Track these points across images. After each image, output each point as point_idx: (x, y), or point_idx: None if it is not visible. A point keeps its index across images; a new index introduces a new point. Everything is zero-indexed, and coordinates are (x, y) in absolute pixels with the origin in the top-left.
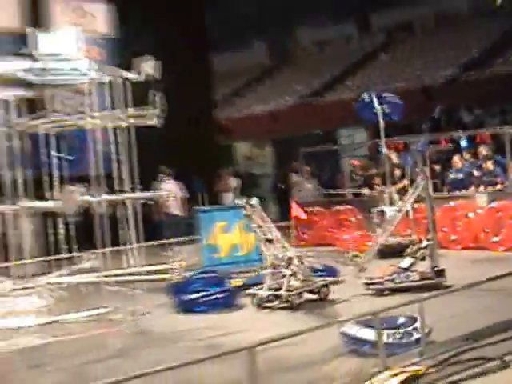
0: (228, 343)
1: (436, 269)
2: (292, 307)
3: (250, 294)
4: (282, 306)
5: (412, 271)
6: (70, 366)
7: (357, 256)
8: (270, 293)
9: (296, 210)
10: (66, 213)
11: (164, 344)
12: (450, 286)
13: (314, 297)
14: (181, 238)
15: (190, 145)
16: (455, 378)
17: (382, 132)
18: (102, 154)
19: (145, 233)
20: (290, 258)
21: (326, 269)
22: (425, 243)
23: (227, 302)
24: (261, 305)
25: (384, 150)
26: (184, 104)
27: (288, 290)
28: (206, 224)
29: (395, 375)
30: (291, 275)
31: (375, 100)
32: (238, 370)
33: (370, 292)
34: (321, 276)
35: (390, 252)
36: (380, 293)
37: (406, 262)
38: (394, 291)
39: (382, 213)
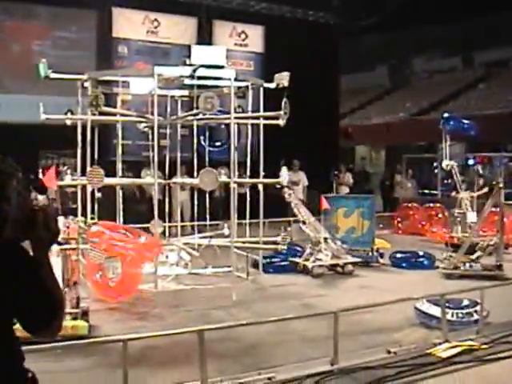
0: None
1: (498, 263)
2: (313, 276)
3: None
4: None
5: (477, 263)
6: (197, 309)
7: (451, 256)
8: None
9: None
10: (206, 189)
11: (272, 300)
12: (509, 279)
13: (340, 270)
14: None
15: (321, 145)
16: (503, 354)
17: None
18: (242, 145)
19: (273, 211)
20: (325, 239)
21: (426, 255)
22: (493, 241)
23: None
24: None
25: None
26: (317, 114)
27: (314, 262)
28: (332, 208)
29: (453, 347)
30: (319, 251)
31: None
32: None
33: (442, 276)
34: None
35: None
36: (449, 277)
37: (474, 255)
38: (460, 277)
39: (464, 214)
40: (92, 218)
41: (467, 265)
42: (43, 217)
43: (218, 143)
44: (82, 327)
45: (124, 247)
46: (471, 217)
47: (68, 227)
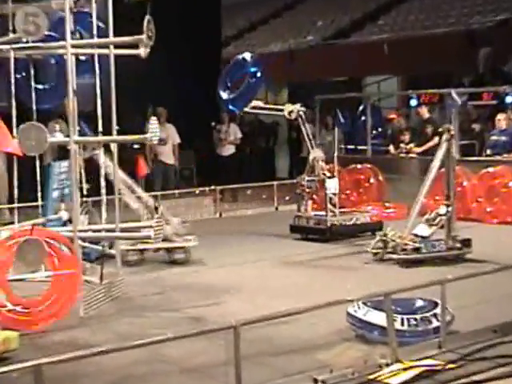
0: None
1: (461, 238)
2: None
3: None
4: None
5: (436, 240)
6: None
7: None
8: None
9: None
10: (30, 153)
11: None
12: (479, 263)
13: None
14: None
15: (197, 86)
16: (478, 377)
17: None
18: (84, 86)
19: None
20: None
21: None
22: (444, 209)
23: None
24: None
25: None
26: (187, 40)
27: None
28: None
29: (407, 369)
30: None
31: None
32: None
33: (393, 262)
34: None
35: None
36: (404, 264)
37: (423, 230)
38: (419, 262)
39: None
40: None
41: (428, 245)
42: None
43: (46, 85)
44: None
45: None
46: (331, 186)
47: None
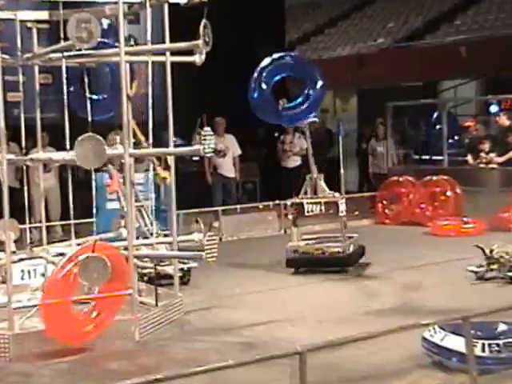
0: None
1: None
2: None
3: None
4: None
5: None
6: (80, 357)
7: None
8: None
9: (115, 183)
10: (88, 167)
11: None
12: None
13: None
14: None
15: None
16: None
17: None
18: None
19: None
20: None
21: None
22: None
23: None
24: None
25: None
26: (248, 44)
27: None
28: None
29: None
30: None
31: None
32: None
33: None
34: None
35: None
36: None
37: None
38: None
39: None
40: None
41: None
42: None
43: (100, 95)
44: None
45: None
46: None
47: None
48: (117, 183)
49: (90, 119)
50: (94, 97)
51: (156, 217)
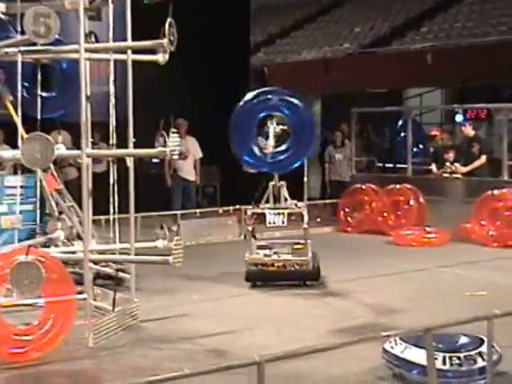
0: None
1: None
2: None
3: None
4: None
5: None
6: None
7: None
8: None
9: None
10: (35, 168)
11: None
12: None
13: None
14: None
15: (222, 95)
16: None
17: None
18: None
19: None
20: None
21: None
22: None
23: None
24: None
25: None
26: (212, 45)
27: None
28: None
29: None
30: None
31: None
32: None
33: None
34: None
35: None
36: None
37: None
38: None
39: None
40: None
41: None
42: None
43: (50, 93)
44: None
45: None
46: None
47: None
48: (54, 182)
49: (39, 117)
50: (44, 94)
51: (40, 220)
